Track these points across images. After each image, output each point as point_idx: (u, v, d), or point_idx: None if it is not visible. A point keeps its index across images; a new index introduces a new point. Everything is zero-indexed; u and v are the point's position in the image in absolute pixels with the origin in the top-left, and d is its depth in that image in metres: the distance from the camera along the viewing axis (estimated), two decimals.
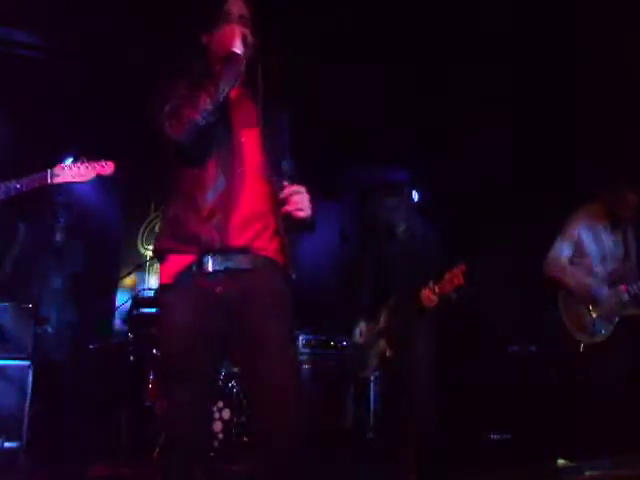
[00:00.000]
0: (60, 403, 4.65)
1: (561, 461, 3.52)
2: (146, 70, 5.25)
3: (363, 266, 4.00)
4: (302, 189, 1.99)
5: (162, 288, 2.03)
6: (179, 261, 1.97)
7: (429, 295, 3.55)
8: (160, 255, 2.03)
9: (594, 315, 3.57)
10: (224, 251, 1.94)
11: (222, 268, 1.93)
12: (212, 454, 4.01)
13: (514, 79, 4.98)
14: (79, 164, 2.96)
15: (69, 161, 3.02)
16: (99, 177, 3.00)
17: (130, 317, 4.98)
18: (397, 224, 3.86)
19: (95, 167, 2.99)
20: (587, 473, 3.19)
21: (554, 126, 5.03)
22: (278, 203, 1.98)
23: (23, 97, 5.00)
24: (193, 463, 1.90)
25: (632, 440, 3.13)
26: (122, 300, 5.98)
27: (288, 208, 1.96)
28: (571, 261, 3.68)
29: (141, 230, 7.02)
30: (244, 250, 1.96)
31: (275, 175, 2.04)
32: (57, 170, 2.93)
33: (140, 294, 5.71)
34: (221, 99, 1.94)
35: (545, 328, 4.29)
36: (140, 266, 5.88)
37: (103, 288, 6.25)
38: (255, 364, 1.91)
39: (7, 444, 4.13)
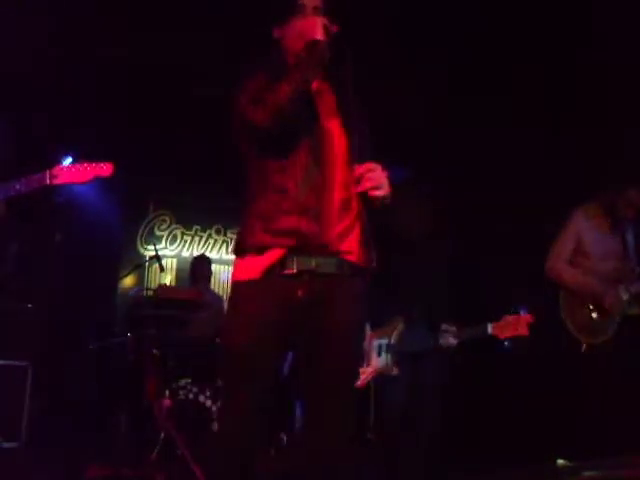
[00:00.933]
0: (60, 403, 4.65)
1: (561, 461, 3.51)
2: (146, 70, 5.26)
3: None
4: (378, 166, 1.95)
5: (242, 283, 1.96)
6: (268, 257, 1.91)
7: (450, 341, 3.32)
8: (251, 251, 1.95)
9: (595, 315, 3.57)
10: (320, 246, 1.90)
11: (306, 269, 1.90)
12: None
13: (514, 78, 4.97)
14: (78, 165, 2.96)
15: (68, 161, 3.02)
16: (98, 178, 2.99)
17: (130, 317, 4.98)
18: (411, 230, 3.60)
19: (94, 168, 2.98)
20: (587, 473, 3.19)
21: (554, 126, 5.03)
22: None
23: (23, 97, 5.00)
24: (246, 462, 1.89)
25: (632, 440, 3.13)
26: (121, 300, 6.00)
27: (363, 187, 1.91)
28: (572, 260, 3.68)
29: (140, 230, 7.03)
30: (334, 251, 1.93)
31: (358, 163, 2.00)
32: (56, 171, 2.92)
33: (139, 294, 5.72)
34: (306, 87, 1.93)
35: (546, 328, 4.28)
36: (139, 266, 5.88)
37: (103, 288, 6.25)
38: (321, 354, 1.91)
39: (6, 444, 4.12)
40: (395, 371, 3.45)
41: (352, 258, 1.96)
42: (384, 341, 3.50)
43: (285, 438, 4.37)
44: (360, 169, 1.92)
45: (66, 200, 5.21)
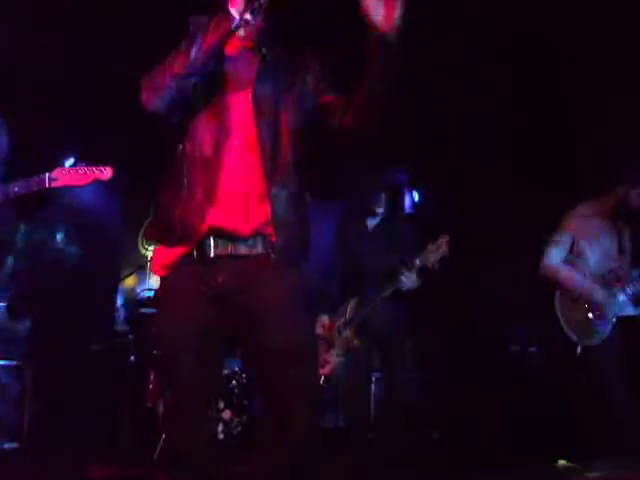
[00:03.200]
0: (60, 403, 4.65)
1: (561, 461, 3.51)
2: (147, 70, 5.26)
3: (333, 258, 3.84)
4: None
5: (161, 279, 1.91)
6: (183, 245, 1.82)
7: (408, 274, 3.48)
8: (162, 242, 1.88)
9: (591, 316, 3.57)
10: (224, 236, 1.78)
11: (224, 254, 1.78)
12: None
13: (513, 78, 4.97)
14: (77, 168, 2.97)
15: (69, 163, 3.03)
16: (97, 182, 2.99)
17: (131, 318, 4.99)
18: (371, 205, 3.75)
19: (94, 172, 2.98)
20: (587, 474, 3.19)
21: (554, 125, 5.03)
22: (281, 176, 1.82)
23: (24, 98, 5.00)
24: (199, 461, 1.81)
25: (632, 440, 3.13)
26: (123, 301, 6.01)
27: (365, 13, 1.66)
28: (568, 261, 3.68)
29: (141, 231, 7.03)
30: (244, 235, 1.80)
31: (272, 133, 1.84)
32: (55, 174, 2.93)
33: (141, 295, 5.73)
34: (198, 58, 1.78)
35: (545, 328, 4.29)
36: (141, 267, 5.89)
37: (104, 289, 6.25)
38: (262, 333, 1.76)
39: (7, 444, 4.13)
40: (356, 342, 3.59)
41: (271, 239, 1.81)
42: (341, 320, 3.66)
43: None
44: None
45: (70, 204, 5.22)
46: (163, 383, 1.97)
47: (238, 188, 1.81)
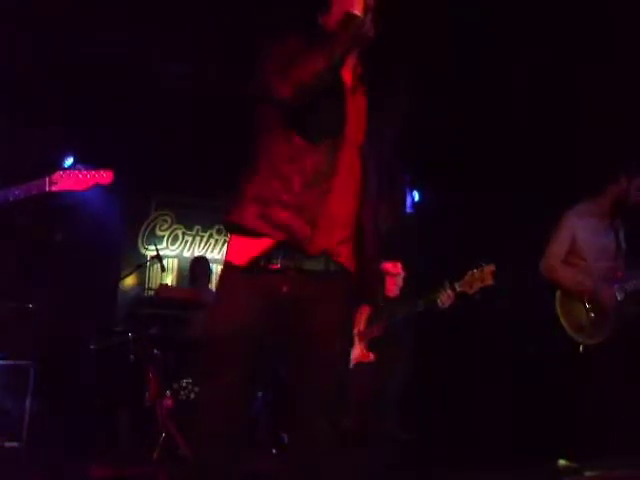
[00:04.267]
0: (60, 403, 4.65)
1: (561, 461, 3.52)
2: (147, 71, 5.27)
3: None
4: (398, 268, 1.93)
5: (231, 267, 1.90)
6: (257, 244, 1.85)
7: (449, 295, 3.37)
8: (238, 231, 1.89)
9: (592, 315, 3.58)
10: (308, 248, 1.83)
11: (291, 266, 1.84)
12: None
13: (514, 79, 4.97)
14: (78, 172, 2.96)
15: (68, 162, 3.03)
16: (98, 186, 2.99)
17: (131, 317, 4.99)
18: None
19: (94, 176, 2.98)
20: (587, 473, 3.19)
21: (553, 125, 5.03)
22: (368, 206, 1.91)
23: (24, 99, 5.00)
24: (229, 454, 1.84)
25: (632, 440, 3.13)
26: (123, 300, 6.00)
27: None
28: (567, 260, 3.69)
29: (142, 230, 7.04)
30: (321, 253, 1.86)
31: (377, 172, 1.94)
32: (55, 178, 2.92)
33: (141, 294, 5.73)
34: (335, 64, 1.80)
35: (545, 328, 4.29)
36: (141, 266, 5.89)
37: (104, 288, 6.25)
38: (306, 355, 1.87)
39: (7, 444, 4.13)
40: (371, 357, 3.51)
41: (341, 260, 1.90)
42: (354, 332, 3.58)
43: (286, 437, 4.37)
44: (387, 267, 1.92)
45: (71, 204, 5.21)
46: (202, 364, 1.97)
47: (335, 207, 1.86)
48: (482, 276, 3.35)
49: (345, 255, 1.91)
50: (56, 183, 2.91)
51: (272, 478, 3.39)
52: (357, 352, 3.56)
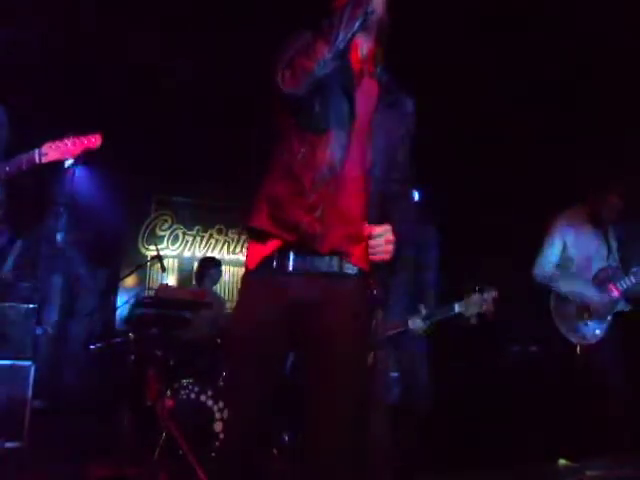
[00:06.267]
0: (60, 403, 4.65)
1: (562, 461, 3.52)
2: (148, 70, 5.27)
3: None
4: (387, 229, 1.86)
5: (246, 271, 1.93)
6: (266, 246, 1.87)
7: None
8: (252, 233, 1.91)
9: (586, 317, 3.63)
10: (316, 249, 1.83)
11: (302, 268, 1.85)
12: (213, 454, 4.02)
13: (514, 80, 4.98)
14: (66, 140, 2.92)
15: (69, 162, 3.01)
16: (88, 151, 2.95)
17: (131, 317, 4.99)
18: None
19: (83, 141, 2.94)
20: (587, 473, 3.19)
21: (553, 126, 5.04)
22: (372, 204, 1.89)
23: (24, 98, 5.00)
24: (253, 454, 1.85)
25: (632, 440, 3.13)
26: (123, 300, 6.00)
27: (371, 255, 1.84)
28: (558, 265, 3.75)
29: (142, 230, 7.04)
30: (334, 253, 1.85)
31: (382, 173, 1.92)
32: (45, 149, 2.86)
33: (141, 294, 5.72)
34: (340, 46, 1.76)
35: (545, 328, 4.29)
36: (141, 266, 5.89)
37: (104, 288, 6.26)
38: (320, 355, 1.83)
39: (7, 444, 4.13)
40: (382, 365, 3.40)
41: (352, 260, 1.89)
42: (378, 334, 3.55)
43: (287, 438, 4.37)
44: (369, 230, 1.84)
45: (68, 200, 5.21)
46: (226, 366, 1.97)
47: (344, 203, 1.86)
48: (482, 301, 3.27)
49: (358, 256, 1.89)
50: (46, 154, 2.85)
51: (273, 478, 3.38)
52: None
